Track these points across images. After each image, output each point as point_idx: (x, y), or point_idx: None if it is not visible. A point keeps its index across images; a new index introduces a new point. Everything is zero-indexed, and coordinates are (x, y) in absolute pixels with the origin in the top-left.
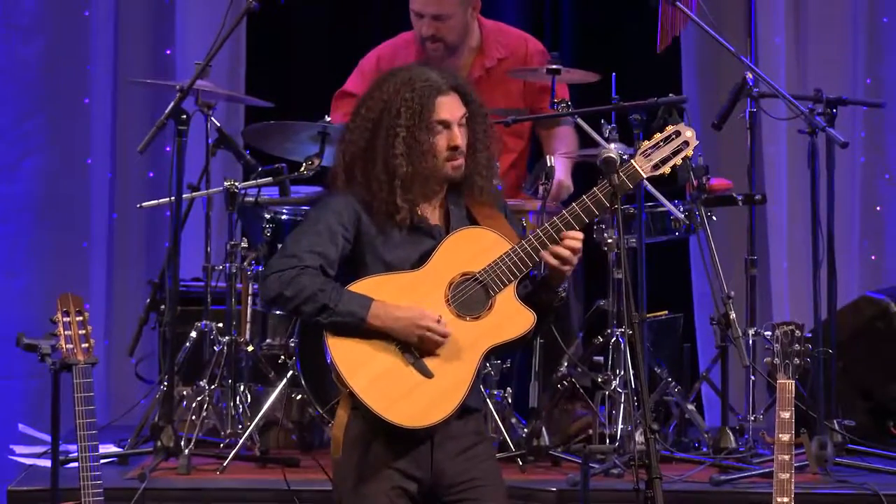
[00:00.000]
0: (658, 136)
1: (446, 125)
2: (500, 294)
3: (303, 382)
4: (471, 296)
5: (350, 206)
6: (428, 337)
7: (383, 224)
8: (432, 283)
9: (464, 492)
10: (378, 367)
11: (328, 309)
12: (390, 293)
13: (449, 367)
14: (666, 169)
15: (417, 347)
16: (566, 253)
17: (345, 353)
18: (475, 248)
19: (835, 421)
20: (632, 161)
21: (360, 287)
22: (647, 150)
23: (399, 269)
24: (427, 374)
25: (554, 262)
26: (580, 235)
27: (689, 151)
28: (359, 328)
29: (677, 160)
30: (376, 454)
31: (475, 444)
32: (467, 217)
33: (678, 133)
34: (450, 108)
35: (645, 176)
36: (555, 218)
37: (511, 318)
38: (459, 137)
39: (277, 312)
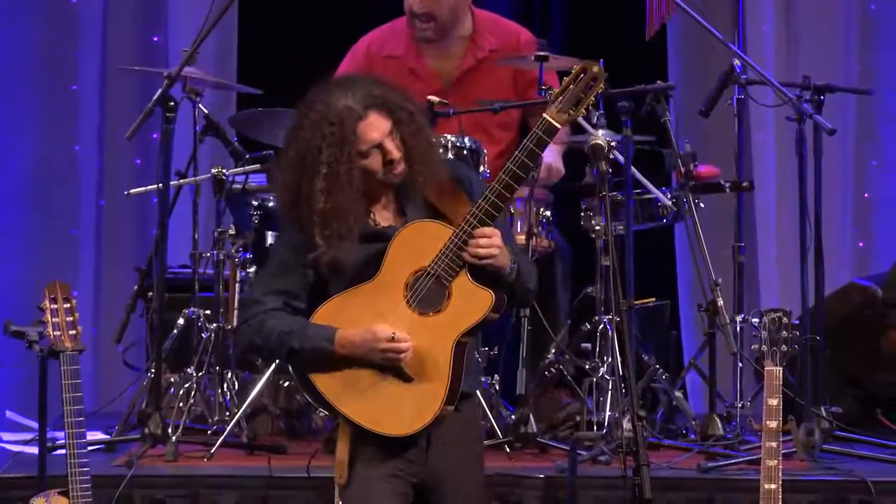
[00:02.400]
0: (566, 80)
1: (377, 145)
2: (454, 282)
3: (290, 369)
4: (428, 291)
5: (298, 240)
6: (389, 357)
7: (322, 260)
8: (389, 289)
9: (447, 484)
10: (360, 386)
11: (296, 351)
12: (353, 311)
13: (425, 367)
14: (580, 111)
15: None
16: (480, 251)
17: (328, 383)
18: (420, 241)
19: (822, 408)
20: (543, 115)
21: (322, 314)
22: (556, 99)
23: (362, 281)
24: (407, 379)
25: (472, 260)
26: (488, 234)
27: (599, 87)
28: (330, 360)
29: (590, 99)
30: (374, 450)
31: (466, 437)
32: (426, 207)
33: (585, 70)
34: (374, 128)
35: (559, 125)
36: (487, 192)
37: (470, 301)
38: (392, 150)
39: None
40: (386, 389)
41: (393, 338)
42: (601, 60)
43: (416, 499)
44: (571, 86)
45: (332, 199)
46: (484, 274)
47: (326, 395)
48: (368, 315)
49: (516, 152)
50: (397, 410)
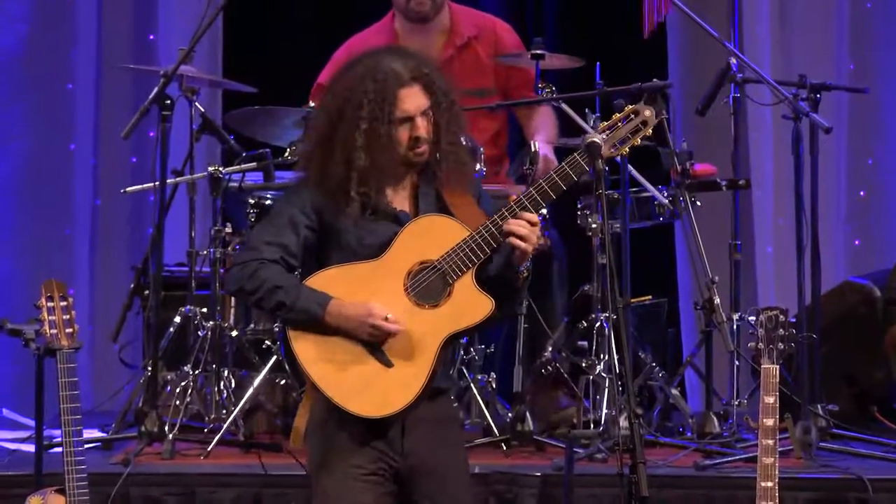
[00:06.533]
0: (616, 117)
1: (408, 118)
2: (458, 281)
3: (287, 367)
4: (429, 284)
5: (312, 196)
6: (376, 336)
7: (343, 212)
8: (391, 272)
9: (427, 474)
10: (338, 358)
11: (285, 306)
12: (348, 285)
13: (408, 356)
14: (624, 150)
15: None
16: (521, 231)
17: (306, 345)
18: (434, 235)
19: (819, 406)
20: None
21: (317, 281)
22: (604, 131)
23: (362, 257)
24: (387, 363)
25: (509, 238)
26: (532, 217)
27: (647, 131)
28: (316, 326)
29: (636, 140)
30: (346, 438)
31: (442, 427)
32: (437, 201)
33: (636, 113)
34: (412, 100)
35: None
36: (516, 199)
37: (469, 304)
38: (421, 128)
39: None
40: (363, 369)
41: (387, 319)
42: (598, 74)
43: (400, 490)
44: (620, 123)
45: (371, 157)
46: (486, 279)
47: (300, 357)
48: (363, 292)
49: (551, 172)
50: (369, 392)
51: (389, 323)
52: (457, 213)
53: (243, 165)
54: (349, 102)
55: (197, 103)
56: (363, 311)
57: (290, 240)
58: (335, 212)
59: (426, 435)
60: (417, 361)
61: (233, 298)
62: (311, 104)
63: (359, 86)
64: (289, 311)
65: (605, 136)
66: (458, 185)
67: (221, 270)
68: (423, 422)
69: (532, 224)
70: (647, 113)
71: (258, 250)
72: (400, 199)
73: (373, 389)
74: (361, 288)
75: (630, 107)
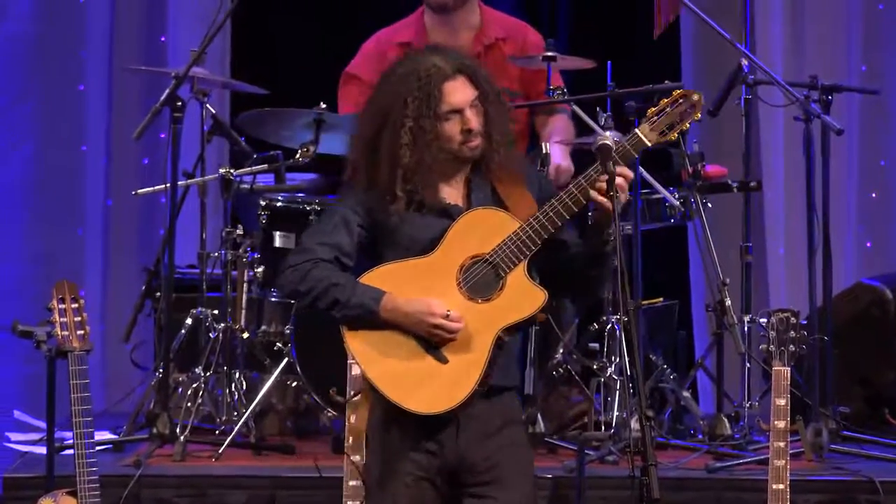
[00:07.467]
0: (664, 102)
1: (457, 110)
2: (510, 274)
3: (298, 369)
4: (481, 278)
5: (362, 197)
6: (438, 333)
7: (390, 210)
8: (443, 268)
9: (483, 475)
10: (393, 355)
11: (340, 303)
12: (402, 282)
13: (463, 351)
14: (672, 135)
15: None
16: (621, 182)
17: (361, 344)
18: (484, 229)
19: (830, 408)
20: (636, 130)
21: (371, 278)
22: (652, 117)
23: (414, 253)
24: (442, 359)
25: (601, 198)
26: (627, 172)
27: (696, 115)
28: (371, 321)
29: (685, 125)
30: (399, 440)
31: (501, 427)
32: (492, 193)
33: (685, 97)
34: (459, 93)
35: (650, 144)
36: (562, 194)
37: (522, 297)
38: (472, 121)
39: (273, 300)
40: (418, 366)
41: (448, 315)
42: (609, 75)
43: (451, 490)
44: (668, 108)
45: (417, 154)
46: (569, 258)
47: (357, 357)
48: (416, 288)
49: (580, 179)
50: (424, 389)
51: (451, 321)
52: (510, 204)
53: (254, 167)
54: (395, 104)
55: (208, 105)
56: (423, 308)
57: (343, 239)
58: (384, 210)
59: (481, 433)
60: (472, 357)
61: (244, 299)
62: (323, 105)
63: (403, 86)
64: (343, 307)
65: (652, 122)
66: (512, 176)
67: (233, 272)
68: (477, 419)
69: (626, 178)
70: (696, 97)
71: (312, 251)
72: (453, 194)
73: (428, 386)
74: (414, 283)
75: (678, 91)
